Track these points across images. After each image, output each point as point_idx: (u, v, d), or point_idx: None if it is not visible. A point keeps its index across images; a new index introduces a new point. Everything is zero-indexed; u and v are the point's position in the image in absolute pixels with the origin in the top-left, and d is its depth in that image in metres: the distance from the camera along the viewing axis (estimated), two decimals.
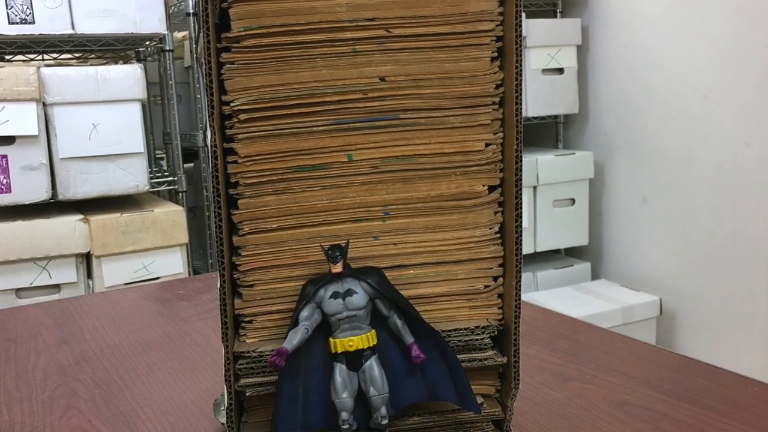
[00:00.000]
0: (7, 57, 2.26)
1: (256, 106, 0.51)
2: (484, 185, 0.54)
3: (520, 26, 0.51)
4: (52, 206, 1.98)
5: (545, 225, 2.43)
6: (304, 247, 0.53)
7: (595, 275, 2.58)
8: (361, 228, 0.53)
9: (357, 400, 0.51)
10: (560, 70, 2.46)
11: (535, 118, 2.50)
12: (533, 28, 2.38)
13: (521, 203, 0.53)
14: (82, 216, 1.88)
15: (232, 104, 0.50)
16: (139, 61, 2.42)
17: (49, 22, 1.91)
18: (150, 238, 1.94)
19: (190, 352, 0.84)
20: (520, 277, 0.54)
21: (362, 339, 0.51)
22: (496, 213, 0.55)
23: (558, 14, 2.57)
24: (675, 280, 2.29)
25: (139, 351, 0.85)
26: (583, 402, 0.66)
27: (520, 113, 0.52)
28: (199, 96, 2.44)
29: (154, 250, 1.96)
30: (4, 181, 1.82)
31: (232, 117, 0.51)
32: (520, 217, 0.53)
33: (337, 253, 0.50)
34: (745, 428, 0.59)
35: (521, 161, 0.53)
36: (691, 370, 0.71)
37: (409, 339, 0.51)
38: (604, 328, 0.84)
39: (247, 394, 0.53)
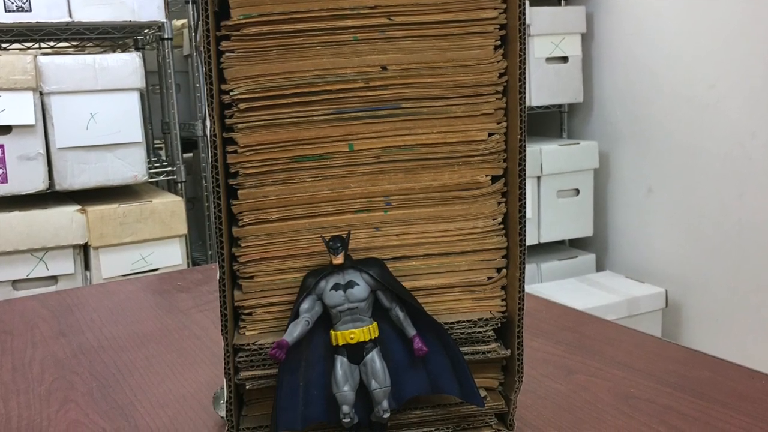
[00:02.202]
0: (4, 45, 2.25)
1: (256, 95, 0.50)
2: (487, 175, 0.54)
3: (524, 14, 0.51)
4: (49, 197, 1.97)
5: (549, 216, 2.42)
6: (304, 238, 0.52)
7: (599, 266, 2.57)
8: (362, 219, 0.53)
9: (358, 393, 0.51)
10: (564, 59, 2.45)
11: (539, 107, 2.48)
12: (537, 16, 2.36)
13: (525, 193, 0.53)
14: (79, 206, 1.87)
15: (231, 93, 0.50)
16: (137, 49, 2.41)
17: (46, 10, 1.90)
18: (148, 229, 1.93)
19: (189, 345, 0.83)
20: (524, 268, 0.54)
21: (364, 331, 0.50)
22: (499, 203, 0.54)
23: (562, 2, 2.55)
24: (681, 271, 2.29)
25: (138, 343, 0.84)
26: (587, 395, 0.65)
27: (524, 102, 0.52)
28: (198, 85, 2.43)
29: (153, 242, 1.95)
30: (1, 172, 1.81)
31: (231, 106, 0.50)
32: (524, 207, 0.53)
33: (338, 244, 0.50)
34: (751, 421, 0.59)
35: (525, 151, 0.52)
36: (697, 363, 0.71)
37: (411, 331, 0.51)
38: (608, 320, 0.84)
39: (247, 387, 0.53)
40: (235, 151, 0.51)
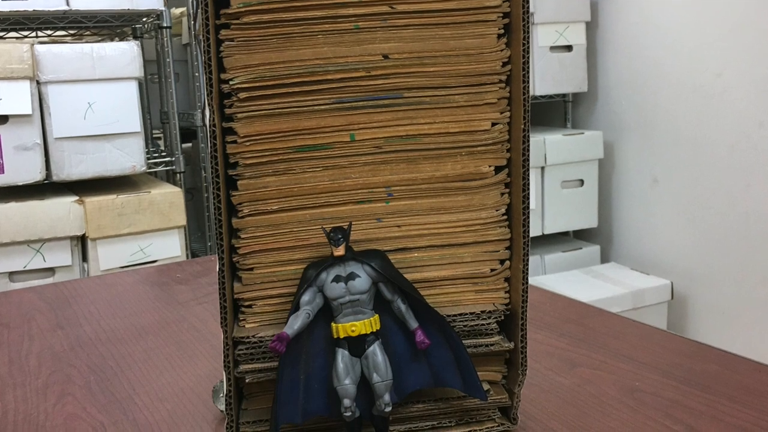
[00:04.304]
0: (0, 34, 2.23)
1: (256, 84, 0.50)
2: (490, 166, 0.53)
3: (528, 2, 0.50)
4: (47, 187, 1.96)
5: (553, 207, 2.40)
6: (305, 230, 0.52)
7: (604, 258, 2.56)
8: (363, 210, 0.52)
9: (360, 386, 0.50)
10: (569, 48, 2.43)
11: (542, 96, 2.47)
12: (541, 4, 2.34)
13: (528, 184, 0.52)
14: (77, 197, 1.87)
15: (231, 82, 0.49)
16: (135, 38, 2.40)
17: None
18: (147, 220, 1.92)
19: (188, 338, 0.83)
20: (528, 260, 0.53)
21: (365, 324, 0.50)
22: (502, 194, 0.54)
23: None
24: (687, 263, 2.28)
25: (136, 336, 0.84)
26: (592, 388, 0.65)
27: (528, 92, 0.51)
28: (197, 74, 2.42)
29: (151, 233, 1.95)
30: None
31: (231, 96, 0.50)
32: (528, 198, 0.52)
33: (340, 236, 0.49)
34: (758, 415, 0.58)
35: (528, 141, 0.52)
36: (703, 356, 0.70)
37: (414, 324, 0.51)
38: (613, 313, 0.83)
39: (247, 380, 0.52)
40: (234, 141, 0.50)
